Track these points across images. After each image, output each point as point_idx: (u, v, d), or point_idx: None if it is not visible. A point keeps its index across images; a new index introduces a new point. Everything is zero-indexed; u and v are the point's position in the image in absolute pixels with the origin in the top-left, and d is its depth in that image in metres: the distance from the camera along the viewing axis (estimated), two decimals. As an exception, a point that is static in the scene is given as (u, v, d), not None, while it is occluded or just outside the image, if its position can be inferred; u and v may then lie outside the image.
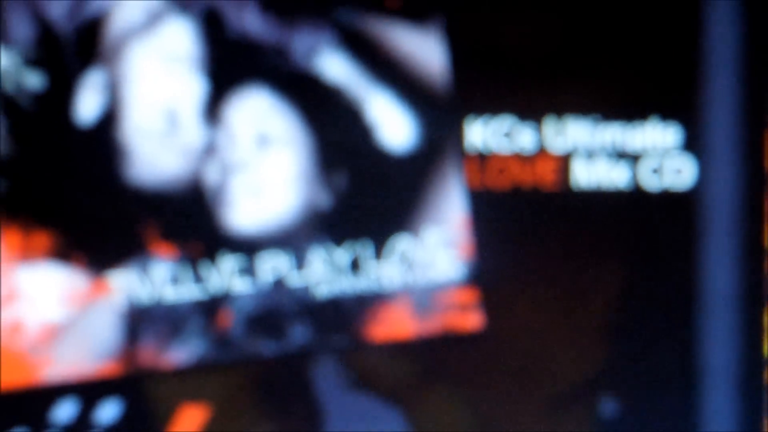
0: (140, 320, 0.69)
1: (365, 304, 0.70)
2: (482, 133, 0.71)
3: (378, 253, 0.70)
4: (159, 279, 0.69)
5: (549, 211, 0.71)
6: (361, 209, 0.70)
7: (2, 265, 0.67)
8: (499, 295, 0.71)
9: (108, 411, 0.69)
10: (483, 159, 0.71)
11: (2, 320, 0.67)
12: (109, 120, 0.68)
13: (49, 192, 0.67)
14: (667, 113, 0.70)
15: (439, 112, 0.70)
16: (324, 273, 0.70)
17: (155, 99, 0.68)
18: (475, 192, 0.70)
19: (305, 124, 0.69)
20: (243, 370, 0.70)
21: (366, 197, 0.69)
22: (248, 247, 0.69)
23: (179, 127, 0.68)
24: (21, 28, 0.66)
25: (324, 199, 0.70)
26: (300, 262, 0.70)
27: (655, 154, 0.70)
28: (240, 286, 0.69)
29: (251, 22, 0.68)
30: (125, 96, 0.68)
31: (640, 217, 0.70)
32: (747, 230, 0.70)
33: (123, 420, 0.69)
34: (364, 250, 0.70)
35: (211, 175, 0.68)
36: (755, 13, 0.70)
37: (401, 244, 0.70)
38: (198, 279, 0.69)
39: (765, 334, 0.70)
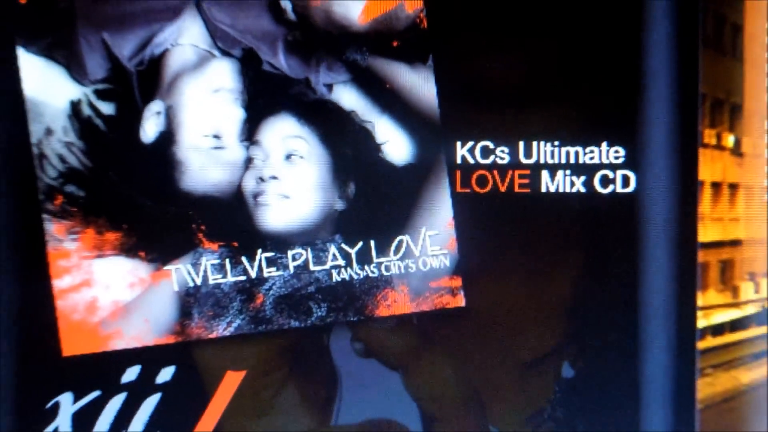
0: (191, 301, 0.71)
1: (372, 288, 0.72)
2: (466, 152, 0.73)
3: (382, 248, 0.72)
4: (206, 268, 0.71)
5: (520, 215, 0.73)
6: (369, 212, 0.72)
7: (81, 257, 0.69)
8: (479, 281, 0.73)
9: (164, 374, 0.71)
10: (466, 172, 0.73)
11: (80, 300, 0.69)
12: (167, 140, 0.70)
13: (119, 199, 0.69)
14: (613, 139, 0.73)
15: (432, 133, 0.72)
16: (338, 263, 0.72)
17: (204, 123, 0.70)
18: (460, 198, 0.73)
19: (324, 143, 0.72)
20: (273, 340, 0.72)
21: (372, 202, 0.72)
22: (278, 242, 0.71)
23: (223, 145, 0.71)
24: (97, 66, 0.69)
25: (339, 204, 0.72)
26: (319, 254, 0.72)
27: (604, 169, 0.73)
28: (272, 272, 0.71)
29: (281, 62, 0.71)
30: (180, 120, 0.70)
31: (592, 216, 0.73)
32: (679, 227, 0.73)
33: (176, 380, 0.71)
34: (371, 244, 0.72)
35: (249, 185, 0.71)
36: (686, 61, 0.73)
37: (400, 240, 0.72)
38: (238, 267, 0.71)
39: (697, 312, 0.74)
